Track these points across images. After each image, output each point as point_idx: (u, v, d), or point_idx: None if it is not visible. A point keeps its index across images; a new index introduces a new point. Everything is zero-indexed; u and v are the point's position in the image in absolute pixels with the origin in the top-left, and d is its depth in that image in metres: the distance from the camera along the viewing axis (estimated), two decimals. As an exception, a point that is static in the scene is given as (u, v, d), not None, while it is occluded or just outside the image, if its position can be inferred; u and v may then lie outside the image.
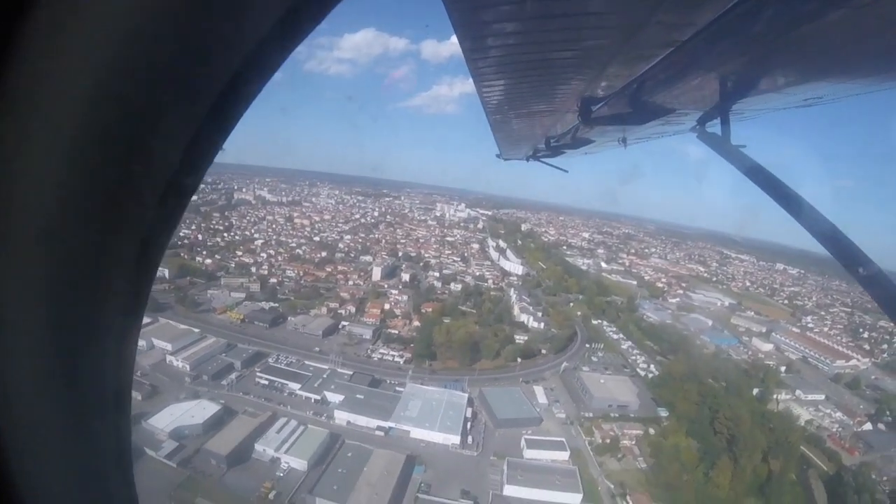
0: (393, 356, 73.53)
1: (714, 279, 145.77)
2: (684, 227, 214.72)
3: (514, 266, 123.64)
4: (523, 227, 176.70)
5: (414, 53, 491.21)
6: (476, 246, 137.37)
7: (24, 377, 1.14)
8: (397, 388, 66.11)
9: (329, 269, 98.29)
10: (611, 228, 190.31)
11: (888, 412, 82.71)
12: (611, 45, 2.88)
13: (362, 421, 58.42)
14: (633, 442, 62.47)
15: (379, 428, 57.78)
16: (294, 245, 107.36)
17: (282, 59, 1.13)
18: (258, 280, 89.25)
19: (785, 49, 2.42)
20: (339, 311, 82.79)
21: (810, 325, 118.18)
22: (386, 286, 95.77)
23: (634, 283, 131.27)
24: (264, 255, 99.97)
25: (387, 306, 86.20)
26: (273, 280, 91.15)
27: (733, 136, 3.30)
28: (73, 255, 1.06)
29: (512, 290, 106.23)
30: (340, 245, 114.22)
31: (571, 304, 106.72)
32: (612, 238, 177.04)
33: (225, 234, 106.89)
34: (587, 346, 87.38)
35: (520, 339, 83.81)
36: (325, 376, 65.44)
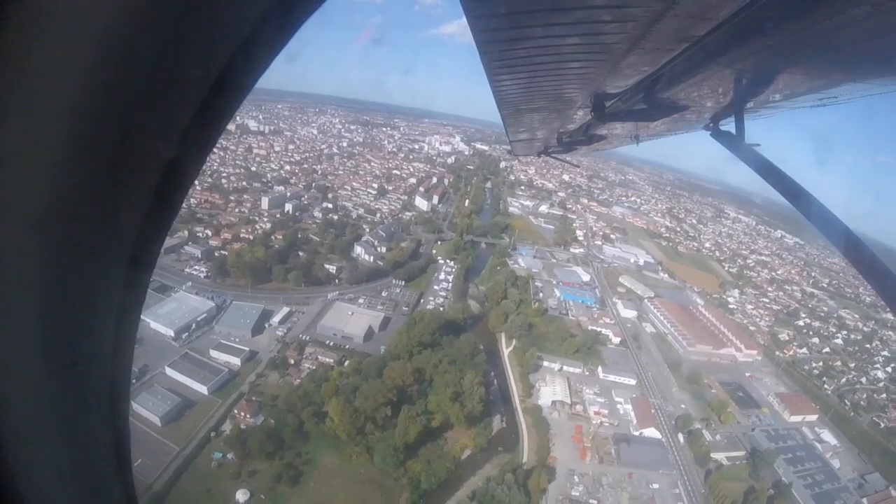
0: (200, 272, 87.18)
1: (666, 236, 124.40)
2: (710, 180, 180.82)
3: (423, 203, 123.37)
4: (502, 164, 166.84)
5: None
6: (413, 181, 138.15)
7: (18, 372, 1.10)
8: (173, 294, 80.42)
9: (233, 198, 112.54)
10: (614, 174, 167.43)
11: (696, 425, 66.80)
12: (626, 40, 2.84)
13: (124, 311, 74.54)
14: (314, 367, 67.16)
15: (131, 317, 73.45)
16: (225, 174, 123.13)
17: (282, 42, 1.10)
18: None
19: (801, 47, 2.34)
20: (198, 234, 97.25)
21: (728, 301, 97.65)
22: (266, 215, 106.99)
23: (552, 228, 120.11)
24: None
25: (242, 233, 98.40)
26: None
27: (747, 135, 3.11)
28: (67, 248, 1.02)
29: (382, 224, 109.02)
30: (269, 175, 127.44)
31: (439, 243, 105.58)
32: (599, 183, 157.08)
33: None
34: (394, 282, 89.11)
35: (330, 267, 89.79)
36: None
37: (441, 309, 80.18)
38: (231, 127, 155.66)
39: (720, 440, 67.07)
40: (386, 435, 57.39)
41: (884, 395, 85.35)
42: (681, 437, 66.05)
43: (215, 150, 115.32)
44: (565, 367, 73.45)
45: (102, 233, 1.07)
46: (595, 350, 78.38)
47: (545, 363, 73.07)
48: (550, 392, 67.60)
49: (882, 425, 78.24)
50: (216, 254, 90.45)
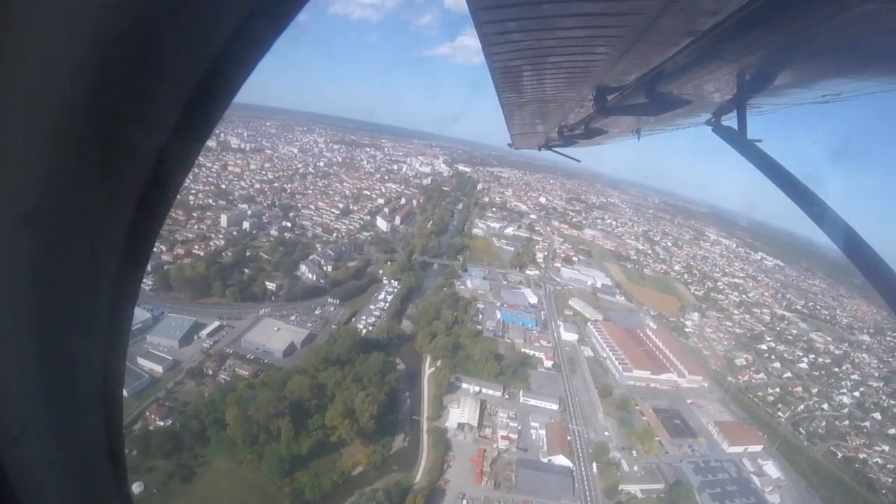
0: (146, 285, 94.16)
1: (634, 258, 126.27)
2: (698, 203, 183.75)
3: (384, 223, 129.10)
4: (479, 185, 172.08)
5: (437, 2, 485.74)
6: (381, 201, 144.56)
7: (9, 371, 1.12)
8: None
9: (195, 215, 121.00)
10: (596, 197, 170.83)
11: (615, 454, 67.34)
12: (630, 32, 2.94)
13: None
14: (228, 379, 72.52)
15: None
16: (194, 191, 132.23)
17: (271, 37, 1.12)
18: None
19: (805, 43, 2.42)
20: (153, 250, 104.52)
21: (685, 324, 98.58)
22: (223, 232, 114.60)
23: (513, 249, 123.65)
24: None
25: (195, 249, 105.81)
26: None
27: (750, 131, 3.22)
28: (58, 243, 1.04)
29: (336, 243, 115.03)
30: (238, 193, 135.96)
31: (388, 263, 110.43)
32: (577, 206, 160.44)
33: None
34: (329, 300, 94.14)
35: (271, 285, 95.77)
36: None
37: (367, 328, 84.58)
38: (212, 144, 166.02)
39: (637, 471, 68.03)
40: (278, 445, 61.88)
41: (846, 422, 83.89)
42: (595, 466, 67.36)
43: (198, 166, 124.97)
44: (485, 390, 75.86)
45: (93, 227, 1.08)
46: (523, 373, 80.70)
47: (464, 385, 75.93)
48: (459, 414, 70.29)
49: (839, 455, 77.06)
50: (165, 268, 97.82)
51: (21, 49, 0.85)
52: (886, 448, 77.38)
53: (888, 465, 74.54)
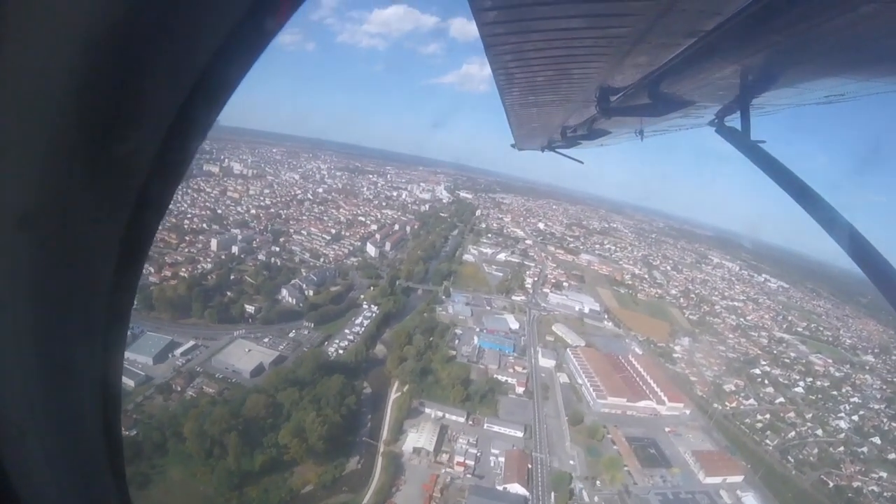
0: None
1: (629, 283, 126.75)
2: (703, 226, 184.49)
3: (373, 249, 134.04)
4: (478, 211, 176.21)
5: (443, 31, 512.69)
6: (375, 227, 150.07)
7: (7, 374, 1.13)
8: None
9: (188, 238, 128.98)
10: (598, 222, 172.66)
11: (578, 483, 67.87)
12: (632, 33, 3.02)
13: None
14: (194, 395, 76.92)
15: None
16: (189, 215, 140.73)
17: (267, 37, 1.14)
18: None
19: (808, 43, 2.47)
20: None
21: (674, 349, 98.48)
22: (212, 256, 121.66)
23: (501, 275, 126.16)
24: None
25: (182, 272, 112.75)
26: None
27: (753, 132, 3.29)
28: (55, 246, 1.06)
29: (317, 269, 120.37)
30: (233, 218, 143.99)
31: (371, 289, 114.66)
32: (577, 231, 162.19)
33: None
34: (305, 323, 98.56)
35: (250, 307, 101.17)
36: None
37: (338, 352, 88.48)
38: (214, 169, 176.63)
39: (598, 502, 68.38)
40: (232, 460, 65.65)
41: (841, 449, 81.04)
42: (553, 496, 68.00)
43: (189, 191, 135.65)
44: (449, 416, 77.78)
45: (90, 229, 1.11)
46: (491, 399, 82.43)
47: (427, 410, 78.23)
48: (416, 438, 72.36)
49: (831, 484, 74.58)
50: (150, 288, 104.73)
51: (16, 50, 0.87)
52: (884, 475, 74.53)
53: (885, 494, 71.76)
